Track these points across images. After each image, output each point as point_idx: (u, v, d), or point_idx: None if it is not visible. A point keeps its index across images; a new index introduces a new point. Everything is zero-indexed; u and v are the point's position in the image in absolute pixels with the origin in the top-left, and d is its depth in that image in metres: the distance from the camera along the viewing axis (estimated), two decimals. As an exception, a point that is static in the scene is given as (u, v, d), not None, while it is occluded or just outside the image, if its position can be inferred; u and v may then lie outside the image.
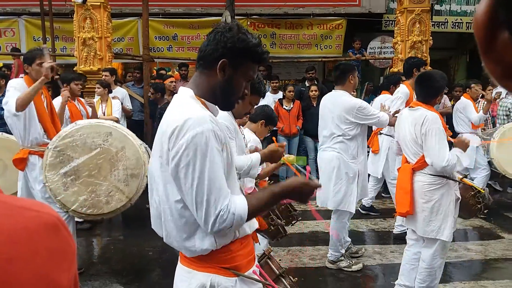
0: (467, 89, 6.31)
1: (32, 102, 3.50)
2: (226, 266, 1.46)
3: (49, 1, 7.82)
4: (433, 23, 8.65)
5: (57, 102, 4.19)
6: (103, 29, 7.06)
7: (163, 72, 8.26)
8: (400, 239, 4.52)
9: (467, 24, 10.69)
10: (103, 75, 6.17)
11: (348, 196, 3.81)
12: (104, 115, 5.63)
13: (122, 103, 6.13)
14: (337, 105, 3.80)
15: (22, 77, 3.69)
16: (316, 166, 7.20)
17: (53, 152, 3.39)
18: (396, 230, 4.67)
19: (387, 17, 10.04)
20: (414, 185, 3.03)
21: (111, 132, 3.49)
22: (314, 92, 7.11)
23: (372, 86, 8.90)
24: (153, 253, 4.43)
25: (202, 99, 1.49)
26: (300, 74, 10.00)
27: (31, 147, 3.62)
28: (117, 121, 5.73)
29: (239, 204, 1.39)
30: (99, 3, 6.85)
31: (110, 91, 5.86)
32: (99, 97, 5.75)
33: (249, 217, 1.41)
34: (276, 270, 1.75)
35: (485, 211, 3.17)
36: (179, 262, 1.57)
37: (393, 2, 9.61)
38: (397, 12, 7.86)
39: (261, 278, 1.59)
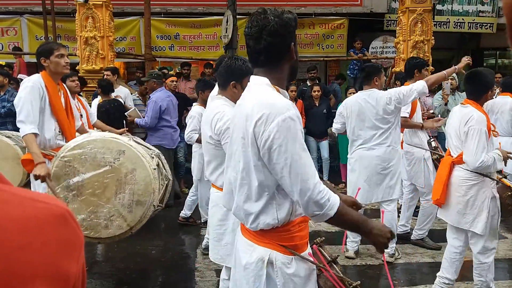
0: None
1: (48, 97, 3.30)
2: (284, 244, 1.58)
3: (51, 0, 7.83)
4: (435, 23, 8.64)
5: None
6: (105, 28, 7.06)
7: (164, 71, 8.26)
8: (403, 239, 4.53)
9: (469, 24, 10.67)
10: (104, 74, 6.16)
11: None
12: (106, 114, 5.62)
13: (124, 102, 6.13)
14: (375, 100, 3.90)
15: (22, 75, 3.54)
16: (320, 166, 7.25)
17: (60, 162, 3.15)
18: (399, 230, 4.66)
19: (389, 17, 10.04)
20: (452, 179, 3.17)
21: (125, 150, 3.18)
22: (316, 92, 7.10)
23: None
24: (156, 252, 4.43)
25: (276, 87, 1.61)
26: (302, 74, 9.99)
27: (43, 148, 3.36)
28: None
29: (334, 196, 1.51)
30: (101, 2, 6.85)
31: (112, 91, 5.85)
32: (100, 96, 5.74)
33: (334, 218, 1.50)
34: (328, 257, 1.80)
35: None
36: (240, 233, 1.71)
37: (395, 2, 9.60)
38: (399, 11, 7.86)
39: (315, 260, 1.70)
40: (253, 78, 1.65)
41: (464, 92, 6.02)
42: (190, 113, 4.73)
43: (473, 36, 11.68)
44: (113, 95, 5.87)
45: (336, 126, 4.29)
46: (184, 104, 6.92)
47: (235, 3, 8.09)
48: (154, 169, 3.29)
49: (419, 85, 3.89)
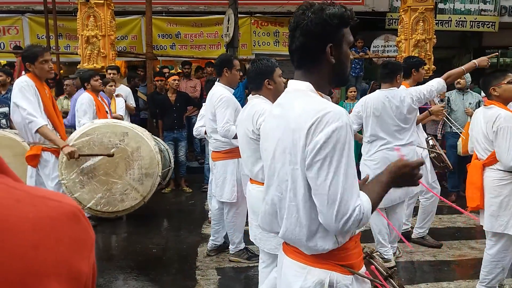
0: None
1: (40, 98, 3.52)
2: (342, 263, 1.45)
3: (52, -1, 7.83)
4: (437, 21, 8.63)
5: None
6: (107, 27, 7.05)
7: (166, 70, 8.28)
8: (404, 237, 4.51)
9: (471, 22, 10.64)
10: (110, 73, 6.18)
11: None
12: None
13: (125, 101, 6.14)
14: (399, 99, 3.84)
15: (24, 74, 3.73)
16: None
17: None
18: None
19: (391, 16, 10.02)
20: (484, 180, 3.11)
21: (127, 132, 3.61)
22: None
23: (377, 85, 8.87)
24: (157, 251, 4.44)
25: (320, 92, 1.46)
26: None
27: (43, 143, 3.59)
28: (122, 119, 5.75)
29: (366, 202, 1.36)
30: (102, 1, 6.85)
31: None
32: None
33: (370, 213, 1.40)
34: (383, 271, 1.72)
35: None
36: (285, 255, 1.54)
37: (397, 1, 9.59)
38: (401, 10, 7.84)
39: (373, 277, 1.59)
40: (292, 83, 1.50)
41: (473, 92, 6.00)
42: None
43: (475, 35, 11.64)
44: (114, 94, 5.89)
45: (353, 127, 4.17)
46: (186, 103, 6.94)
47: (237, 2, 8.08)
48: (155, 144, 3.74)
49: (439, 85, 3.90)
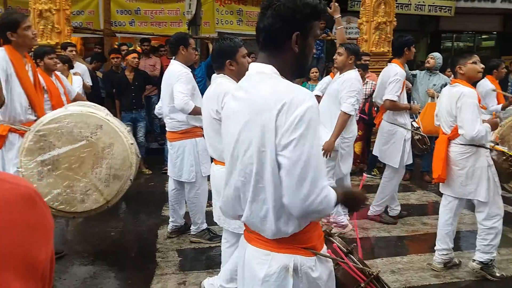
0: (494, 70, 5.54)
1: (14, 71, 3.16)
2: (305, 246, 1.46)
3: (0, -31, 7.33)
4: (397, 4, 8.75)
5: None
6: (61, 1, 6.72)
7: (124, 47, 7.98)
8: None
9: (429, 6, 10.90)
10: (71, 50, 5.92)
11: None
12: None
13: (82, 79, 5.91)
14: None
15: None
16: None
17: (34, 136, 3.09)
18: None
19: (353, -3, 10.10)
20: (449, 155, 3.38)
21: (102, 125, 3.20)
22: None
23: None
24: (116, 234, 4.37)
25: (283, 76, 1.45)
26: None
27: (13, 123, 3.27)
28: (84, 98, 5.53)
29: (331, 191, 1.37)
30: (56, -27, 6.48)
31: (71, 67, 5.62)
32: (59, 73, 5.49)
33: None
34: (344, 248, 1.74)
35: None
36: (247, 244, 1.54)
37: (359, -18, 9.65)
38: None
39: (335, 256, 1.62)
40: (255, 65, 1.49)
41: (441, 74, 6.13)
42: None
43: (432, 19, 11.95)
44: (71, 71, 5.65)
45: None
46: (145, 82, 6.76)
47: (198, -21, 7.88)
48: (132, 144, 3.35)
49: None
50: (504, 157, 3.36)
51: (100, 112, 3.37)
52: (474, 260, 3.43)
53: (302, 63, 1.49)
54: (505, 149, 3.43)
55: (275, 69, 1.44)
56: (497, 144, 3.48)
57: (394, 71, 4.31)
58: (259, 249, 1.48)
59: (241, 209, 1.51)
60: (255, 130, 1.37)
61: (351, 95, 3.89)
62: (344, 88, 3.93)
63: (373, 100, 5.09)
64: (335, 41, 9.38)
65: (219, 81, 2.89)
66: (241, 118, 1.43)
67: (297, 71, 1.53)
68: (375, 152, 4.70)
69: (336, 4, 4.07)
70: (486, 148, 3.29)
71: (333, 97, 4.03)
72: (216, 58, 2.94)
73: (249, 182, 1.42)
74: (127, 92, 6.35)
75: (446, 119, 3.39)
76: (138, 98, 6.51)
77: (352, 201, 1.55)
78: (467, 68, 3.29)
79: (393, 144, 4.43)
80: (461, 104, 3.21)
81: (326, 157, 3.89)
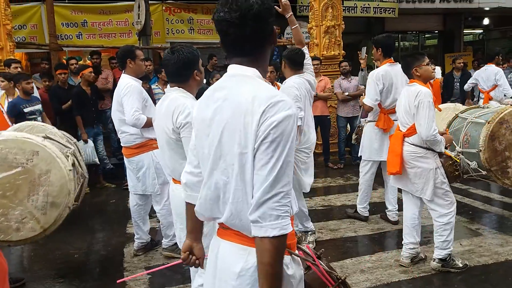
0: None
1: None
2: None
3: None
4: (344, 8, 9.03)
5: None
6: (1, 15, 6.42)
7: (73, 61, 7.66)
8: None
9: (374, 8, 11.34)
10: (14, 67, 5.64)
11: None
12: (10, 110, 5.12)
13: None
14: None
15: None
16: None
17: None
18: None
19: (301, 2, 10.31)
20: (403, 153, 3.51)
21: (38, 151, 3.11)
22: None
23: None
24: (79, 256, 4.18)
25: (264, 79, 1.48)
26: (221, 60, 9.94)
27: None
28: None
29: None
30: (-6, -13, 6.17)
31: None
32: (4, 91, 5.22)
33: (273, 243, 1.33)
34: (312, 253, 1.74)
35: (464, 177, 3.96)
36: (220, 240, 1.54)
37: (306, -12, 9.87)
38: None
39: (308, 257, 1.62)
40: (235, 67, 1.48)
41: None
42: None
43: (378, 21, 12.43)
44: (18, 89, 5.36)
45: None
46: (98, 96, 6.59)
47: (147, -12, 7.75)
48: (70, 170, 3.23)
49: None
50: (450, 161, 3.54)
51: (37, 137, 3.29)
52: (434, 260, 3.56)
53: (273, 52, 1.57)
54: (452, 154, 3.63)
55: (257, 73, 1.46)
56: (446, 148, 3.66)
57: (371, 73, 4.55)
58: (236, 244, 1.48)
59: (218, 211, 1.50)
60: (237, 132, 1.38)
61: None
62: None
63: None
64: (287, 46, 9.57)
65: (173, 96, 2.61)
66: (223, 118, 1.43)
67: (265, 70, 1.56)
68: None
69: (284, 1, 3.82)
70: (435, 151, 3.45)
71: None
72: (177, 70, 2.61)
73: (230, 183, 1.43)
74: (88, 107, 6.17)
75: (404, 118, 3.53)
76: (97, 112, 6.46)
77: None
78: (423, 70, 3.45)
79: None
80: (418, 103, 3.34)
81: None
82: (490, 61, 7.44)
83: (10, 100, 5.20)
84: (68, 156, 3.46)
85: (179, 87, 2.64)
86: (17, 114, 4.98)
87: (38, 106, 5.32)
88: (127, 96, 3.64)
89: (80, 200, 3.79)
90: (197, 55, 2.63)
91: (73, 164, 3.49)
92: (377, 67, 5.81)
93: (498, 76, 7.06)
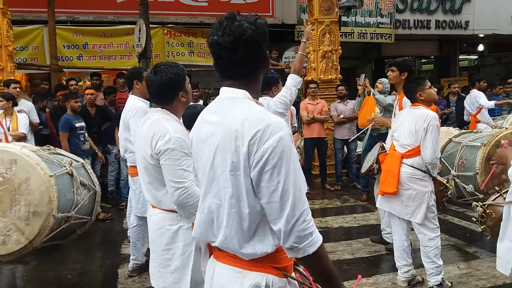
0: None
1: None
2: (277, 266, 1.46)
3: None
4: (341, 33, 9.19)
5: None
6: (3, 37, 6.52)
7: (73, 82, 7.71)
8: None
9: (371, 34, 11.53)
10: (13, 87, 5.71)
11: None
12: (9, 130, 5.15)
13: (29, 117, 5.66)
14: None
15: None
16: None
17: None
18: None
19: (299, 28, 10.49)
20: (400, 174, 3.49)
21: (16, 160, 3.03)
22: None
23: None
24: (73, 277, 4.12)
25: (255, 100, 1.49)
26: (219, 83, 10.03)
27: None
28: (25, 136, 5.29)
29: (318, 233, 1.39)
30: (-3, 9, 6.29)
31: (15, 104, 5.38)
32: (2, 111, 5.25)
33: (311, 257, 1.37)
34: (308, 276, 1.73)
35: (445, 204, 3.98)
36: (216, 262, 1.52)
37: (304, 14, 10.07)
38: (308, 23, 8.24)
39: (305, 280, 1.60)
40: (226, 90, 1.49)
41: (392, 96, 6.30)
42: None
43: (375, 46, 12.64)
44: (16, 108, 5.40)
45: None
46: (105, 118, 6.64)
47: (148, 12, 7.90)
48: (51, 176, 3.13)
49: (292, 80, 3.61)
50: (441, 187, 3.59)
51: (15, 146, 3.25)
52: (432, 287, 3.51)
53: (266, 76, 1.60)
54: (444, 180, 3.69)
55: (248, 94, 1.47)
56: (438, 174, 3.69)
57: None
58: (231, 267, 1.47)
59: (212, 235, 1.49)
60: (228, 154, 1.38)
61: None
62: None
63: None
64: (285, 70, 9.70)
65: (155, 117, 2.37)
66: (215, 141, 1.43)
67: (262, 85, 1.63)
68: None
69: (309, 29, 4.18)
70: (430, 175, 3.47)
71: None
72: (162, 91, 2.38)
73: (223, 206, 1.43)
74: (90, 128, 6.20)
75: (407, 139, 3.50)
76: (99, 133, 6.49)
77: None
78: (426, 94, 3.49)
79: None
80: (427, 125, 3.35)
81: None
82: (473, 87, 8.20)
83: (8, 119, 5.23)
84: (65, 165, 3.41)
85: (162, 108, 2.42)
86: (69, 129, 5.60)
87: (83, 123, 5.81)
88: (134, 117, 3.67)
89: (94, 215, 3.79)
90: (183, 75, 2.42)
91: (71, 174, 3.45)
92: (382, 92, 5.72)
93: (477, 98, 7.74)
